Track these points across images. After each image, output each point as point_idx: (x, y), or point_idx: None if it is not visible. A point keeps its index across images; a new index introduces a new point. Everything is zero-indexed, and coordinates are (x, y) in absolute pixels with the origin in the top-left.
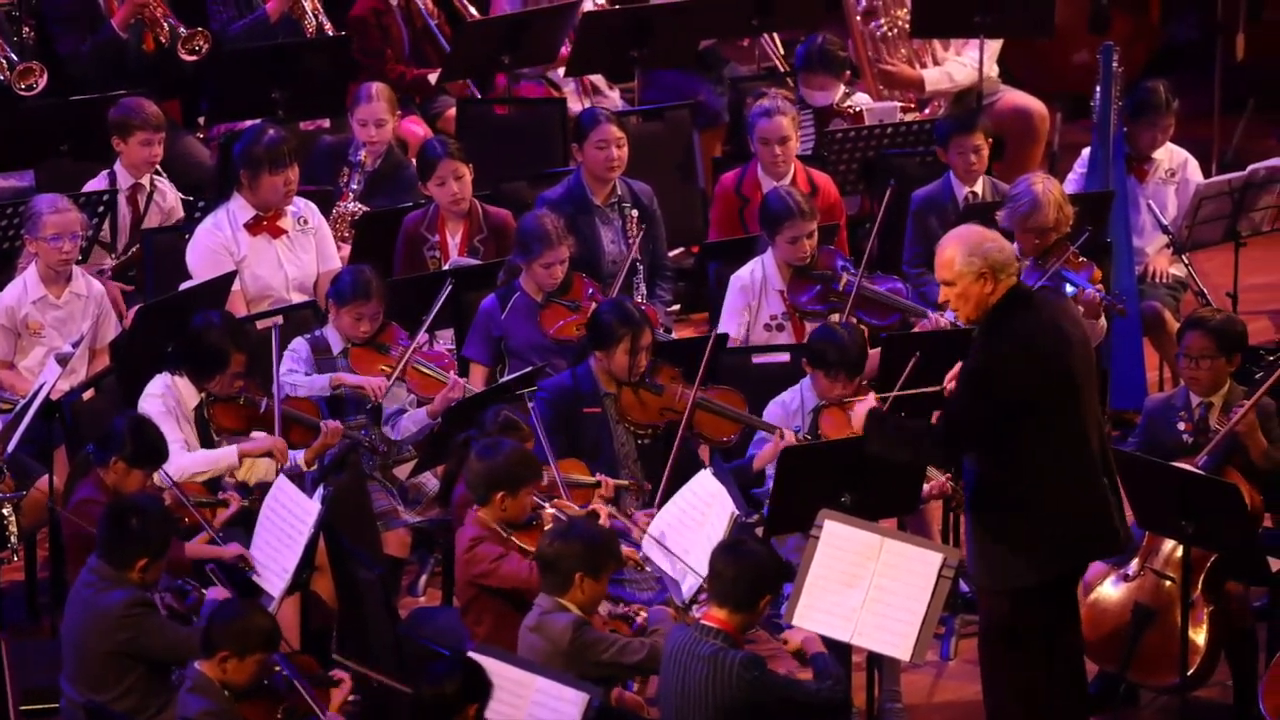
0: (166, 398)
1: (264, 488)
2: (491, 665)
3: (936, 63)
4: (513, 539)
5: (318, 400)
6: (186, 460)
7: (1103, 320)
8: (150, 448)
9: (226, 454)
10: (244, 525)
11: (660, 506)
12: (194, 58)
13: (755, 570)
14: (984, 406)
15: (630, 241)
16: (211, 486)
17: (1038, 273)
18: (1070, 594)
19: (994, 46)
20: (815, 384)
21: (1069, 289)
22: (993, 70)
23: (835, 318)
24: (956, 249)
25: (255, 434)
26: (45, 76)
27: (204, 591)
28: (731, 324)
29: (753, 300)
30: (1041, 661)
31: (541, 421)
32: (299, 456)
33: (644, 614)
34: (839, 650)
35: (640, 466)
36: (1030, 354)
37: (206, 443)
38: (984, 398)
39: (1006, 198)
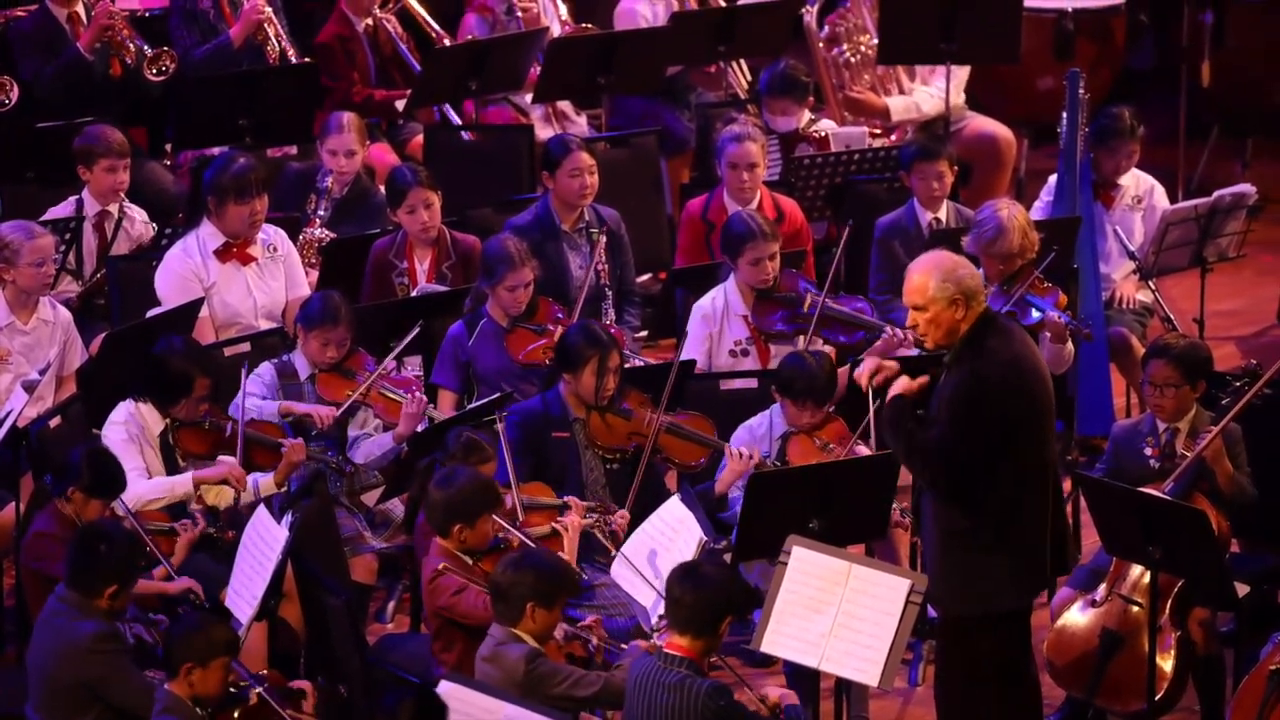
0: (129, 424)
1: (230, 514)
2: (460, 693)
3: (901, 89)
4: (479, 566)
5: (282, 423)
6: (143, 488)
7: (1069, 345)
8: (108, 477)
9: (182, 481)
10: (210, 550)
11: (615, 512)
12: (161, 78)
13: (713, 594)
14: (979, 431)
15: (598, 267)
16: (179, 512)
17: (1003, 298)
18: (1027, 621)
19: (961, 75)
20: (784, 411)
21: (1035, 314)
22: (959, 97)
23: (801, 340)
24: (930, 274)
25: (221, 458)
26: (16, 91)
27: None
28: (694, 352)
29: (714, 328)
30: (1005, 690)
31: (509, 444)
32: (261, 480)
33: (596, 638)
34: (807, 676)
35: (609, 492)
36: (1018, 377)
37: (172, 468)
38: (978, 421)
39: (971, 223)
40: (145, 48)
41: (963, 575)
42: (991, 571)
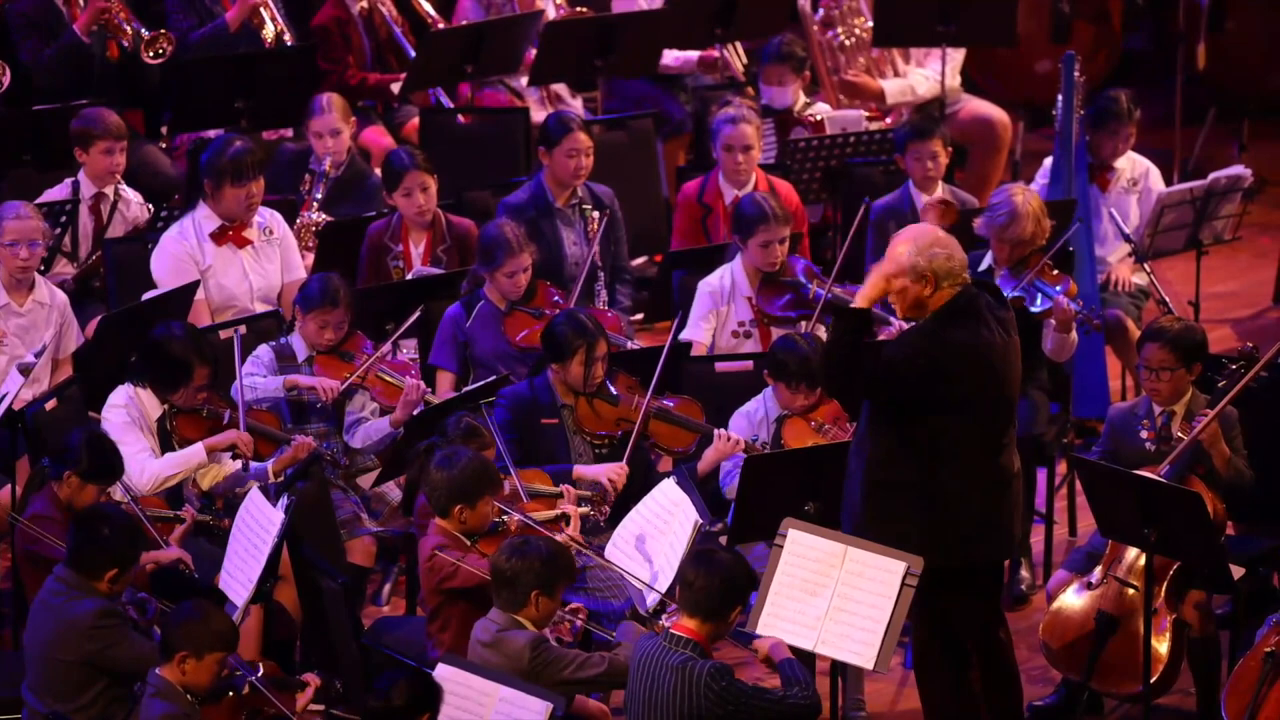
0: (130, 408)
1: (227, 502)
2: (456, 675)
3: (896, 72)
4: (476, 547)
5: (280, 407)
6: (158, 466)
7: (1074, 335)
8: (105, 462)
9: (194, 451)
10: (205, 537)
11: (611, 515)
12: (158, 60)
13: (726, 580)
14: (885, 385)
15: (592, 243)
16: (175, 499)
17: (1012, 282)
18: (983, 591)
19: (957, 57)
20: (777, 395)
21: (1042, 300)
22: (955, 80)
23: (804, 325)
24: (906, 245)
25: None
26: (8, 75)
27: (164, 604)
28: (698, 330)
29: (721, 306)
30: (943, 650)
31: (500, 428)
32: (264, 467)
33: (582, 617)
34: (803, 659)
35: None
36: (954, 364)
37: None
38: (889, 381)
39: (987, 206)
40: (142, 30)
41: (880, 528)
42: (908, 529)
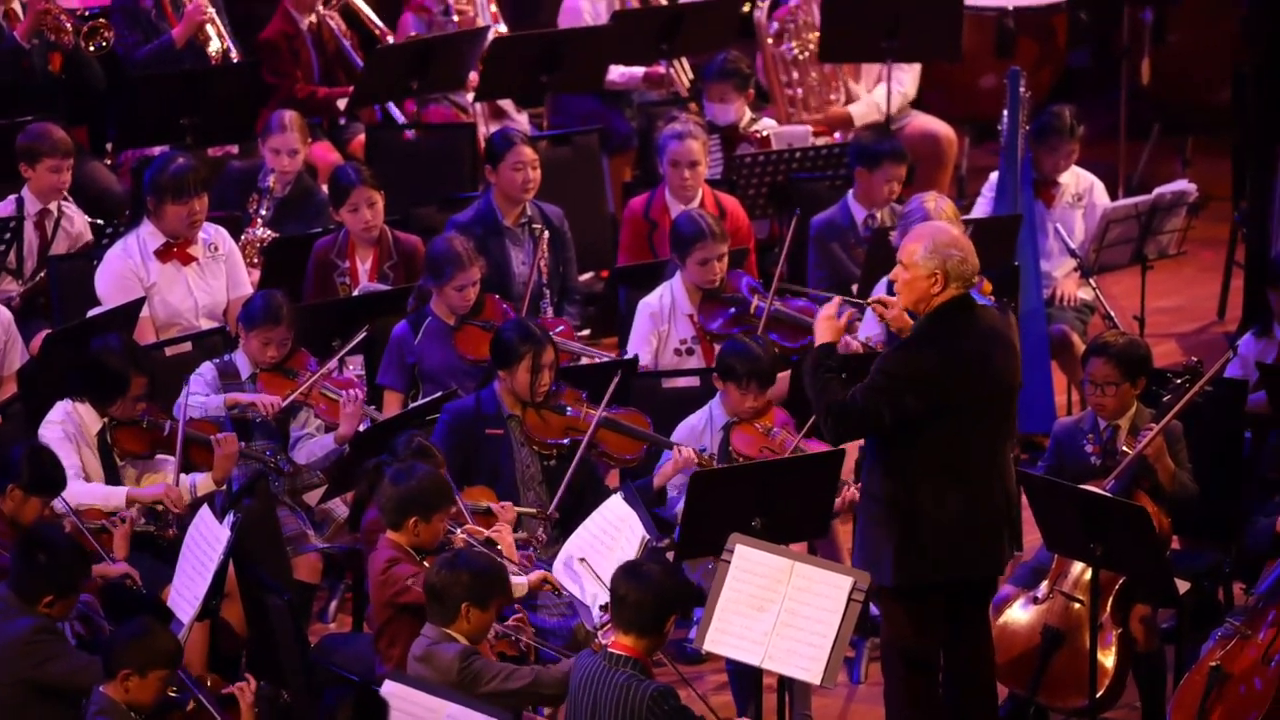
0: (66, 424)
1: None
2: (403, 691)
3: (846, 87)
4: (425, 564)
5: (224, 424)
6: (77, 488)
7: None
8: (47, 476)
9: (116, 494)
10: (150, 550)
11: (555, 520)
12: (99, 53)
13: (656, 593)
14: (884, 407)
15: (540, 264)
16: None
17: None
18: (932, 611)
19: (914, 72)
20: (726, 399)
21: None
22: (912, 94)
23: None
24: (923, 241)
25: (161, 457)
26: None
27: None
28: (640, 350)
29: (661, 326)
30: (906, 669)
31: (442, 445)
32: (199, 479)
33: (526, 636)
34: (750, 674)
35: (545, 489)
36: (943, 369)
37: (110, 468)
38: (887, 399)
39: (900, 218)
40: (78, 23)
41: (862, 539)
42: (881, 545)
